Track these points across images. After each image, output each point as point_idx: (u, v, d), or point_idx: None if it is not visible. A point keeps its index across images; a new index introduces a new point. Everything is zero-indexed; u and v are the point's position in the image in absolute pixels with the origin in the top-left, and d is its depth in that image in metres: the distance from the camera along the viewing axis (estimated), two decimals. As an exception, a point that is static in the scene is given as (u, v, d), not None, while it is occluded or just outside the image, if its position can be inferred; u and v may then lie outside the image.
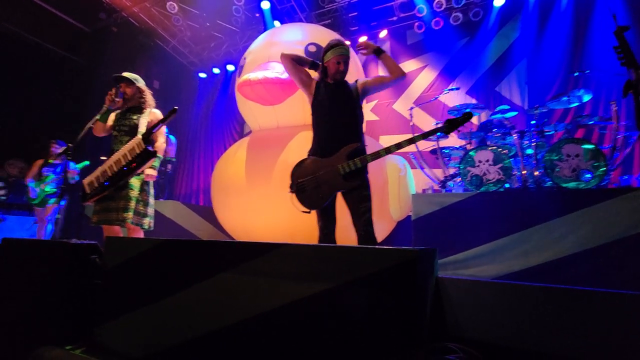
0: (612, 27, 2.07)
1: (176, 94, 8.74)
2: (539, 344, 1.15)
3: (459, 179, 3.91)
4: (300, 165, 2.39)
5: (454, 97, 6.07)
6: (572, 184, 3.18)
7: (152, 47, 7.88)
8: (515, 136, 3.66)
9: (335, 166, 2.24)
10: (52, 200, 5.11)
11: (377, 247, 1.26)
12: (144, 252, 1.78)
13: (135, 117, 2.93)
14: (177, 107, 2.56)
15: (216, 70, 8.58)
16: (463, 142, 4.41)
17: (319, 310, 1.28)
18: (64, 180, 3.05)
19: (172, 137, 6.39)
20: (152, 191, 3.00)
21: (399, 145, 2.18)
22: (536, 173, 3.47)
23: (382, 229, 4.50)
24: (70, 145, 2.80)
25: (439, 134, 2.45)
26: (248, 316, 1.40)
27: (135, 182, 2.82)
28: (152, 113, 3.00)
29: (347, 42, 2.84)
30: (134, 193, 2.80)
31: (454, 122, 2.13)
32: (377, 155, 2.20)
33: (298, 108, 4.29)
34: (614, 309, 1.09)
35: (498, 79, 6.05)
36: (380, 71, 7.06)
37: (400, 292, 1.16)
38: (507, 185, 3.52)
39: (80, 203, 2.98)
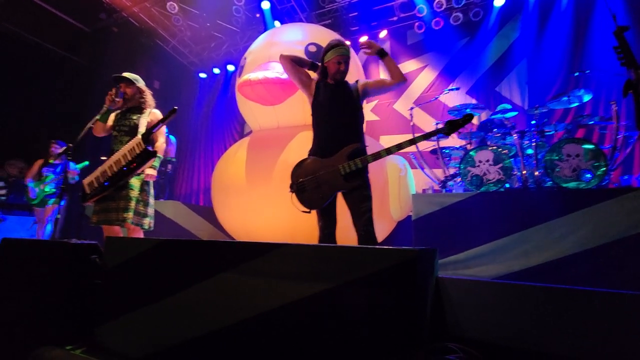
0: (612, 27, 2.07)
1: (176, 94, 8.74)
2: (539, 344, 1.15)
3: (459, 179, 3.91)
4: (300, 165, 2.39)
5: (454, 97, 6.07)
6: (572, 184, 3.17)
7: (152, 47, 7.88)
8: (515, 136, 3.66)
9: (335, 166, 2.24)
10: (52, 200, 5.11)
11: (377, 247, 1.26)
12: (144, 252, 1.78)
13: (135, 117, 2.94)
14: (176, 107, 2.57)
15: (216, 71, 8.59)
16: (463, 142, 4.41)
17: (319, 310, 1.27)
18: (64, 181, 3.04)
19: (172, 137, 6.40)
20: (152, 191, 3.00)
21: (399, 146, 2.17)
22: (536, 173, 3.47)
23: (382, 229, 4.50)
24: (70, 145, 2.81)
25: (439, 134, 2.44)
26: (248, 316, 1.40)
27: (135, 182, 2.82)
28: (152, 113, 3.00)
29: (347, 42, 2.84)
30: (134, 193, 2.79)
31: (454, 123, 2.13)
32: (378, 155, 2.19)
33: (298, 108, 4.29)
34: (614, 309, 1.09)
35: (498, 79, 6.05)
36: (381, 73, 7.07)
37: (400, 292, 1.16)
38: (507, 185, 3.52)
39: (80, 203, 2.98)
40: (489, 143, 3.94)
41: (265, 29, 6.63)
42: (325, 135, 2.40)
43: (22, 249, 2.11)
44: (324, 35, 4.50)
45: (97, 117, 2.89)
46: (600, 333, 1.09)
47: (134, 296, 1.73)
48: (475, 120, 5.39)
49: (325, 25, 6.36)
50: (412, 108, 4.86)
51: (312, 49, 4.27)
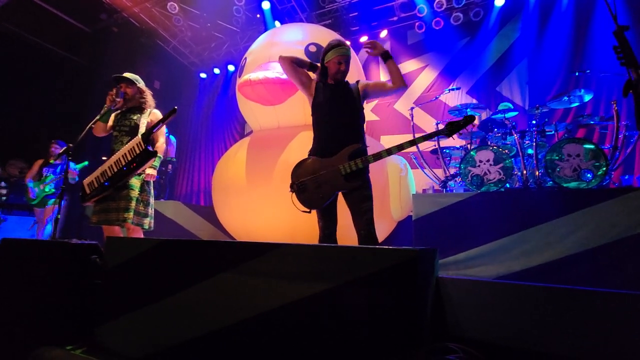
0: (612, 26, 2.06)
1: (177, 94, 8.75)
2: (539, 344, 1.14)
3: (459, 179, 3.91)
4: (301, 165, 2.38)
5: (454, 97, 6.08)
6: (573, 184, 3.17)
7: (152, 48, 7.88)
8: (516, 136, 3.66)
9: (336, 166, 2.24)
10: (52, 200, 5.10)
11: (377, 247, 1.26)
12: (144, 252, 1.78)
13: (135, 117, 2.94)
14: (176, 107, 2.57)
15: (217, 71, 8.59)
16: (464, 142, 4.41)
17: (319, 310, 1.27)
18: (64, 181, 3.04)
19: (172, 137, 6.40)
20: (152, 191, 3.00)
21: (400, 147, 2.17)
22: (537, 173, 3.47)
23: (382, 229, 4.49)
24: (70, 145, 2.81)
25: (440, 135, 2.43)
26: (248, 316, 1.39)
27: (135, 182, 2.82)
28: (152, 113, 3.01)
29: (348, 42, 2.83)
30: (135, 193, 2.79)
31: (455, 124, 2.12)
32: (379, 156, 2.19)
33: (299, 108, 4.29)
34: (614, 309, 1.09)
35: (499, 78, 6.05)
36: (382, 73, 7.07)
37: (400, 292, 1.16)
38: (507, 185, 3.52)
39: (80, 203, 2.98)
40: (489, 143, 3.93)
41: (266, 29, 6.63)
42: (325, 136, 2.39)
43: (22, 249, 2.11)
44: (324, 36, 4.50)
45: (98, 117, 2.89)
46: (601, 333, 1.08)
47: (134, 296, 1.73)
48: (475, 120, 5.40)
49: (325, 25, 6.36)
50: (412, 108, 4.87)
51: (313, 49, 4.27)
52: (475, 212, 3.25)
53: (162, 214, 5.29)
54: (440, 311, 1.32)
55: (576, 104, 3.92)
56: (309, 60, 2.57)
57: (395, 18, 6.91)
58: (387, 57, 2.42)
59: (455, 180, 4.09)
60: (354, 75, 3.99)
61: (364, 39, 7.22)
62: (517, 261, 3.02)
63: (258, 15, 7.22)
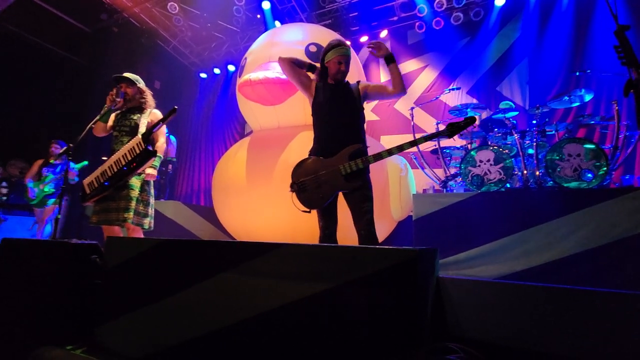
0: (612, 26, 2.06)
1: (177, 94, 8.75)
2: (539, 344, 1.14)
3: (460, 179, 3.91)
4: (301, 164, 2.38)
5: (454, 97, 6.07)
6: (573, 184, 3.17)
7: (153, 48, 7.88)
8: (516, 136, 3.65)
9: (336, 166, 2.24)
10: (52, 200, 5.10)
11: (377, 247, 1.26)
12: (144, 252, 1.78)
13: (135, 117, 2.94)
14: (176, 107, 2.56)
15: (217, 71, 8.60)
16: (464, 142, 4.41)
17: (320, 310, 1.27)
18: (64, 181, 3.04)
19: (172, 137, 6.40)
20: (152, 191, 3.00)
21: (401, 147, 2.17)
22: (537, 173, 3.46)
23: (382, 229, 4.49)
24: (70, 145, 2.81)
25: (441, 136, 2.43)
26: (248, 316, 1.39)
27: (135, 182, 2.82)
28: (152, 113, 3.01)
29: (348, 42, 2.83)
30: (135, 193, 2.79)
31: (456, 125, 2.12)
32: (379, 156, 2.19)
33: (299, 108, 4.29)
34: (615, 309, 1.09)
35: (499, 78, 6.05)
36: (382, 74, 7.07)
37: (400, 292, 1.16)
38: (508, 185, 3.51)
39: (80, 203, 2.98)
40: (489, 143, 3.93)
41: (266, 29, 6.63)
42: (325, 136, 2.39)
43: (22, 249, 2.11)
44: (324, 35, 4.50)
45: (98, 117, 2.89)
46: (601, 333, 1.08)
47: (134, 296, 1.73)
48: (476, 121, 5.40)
49: (325, 25, 6.36)
50: (412, 108, 4.86)
51: (313, 49, 4.27)
52: (475, 212, 3.25)
53: (162, 214, 5.29)
54: (441, 311, 1.31)
55: (577, 104, 3.91)
56: (308, 61, 2.57)
57: (395, 18, 6.91)
58: (390, 60, 2.41)
59: (456, 180, 4.09)
60: (354, 75, 3.99)
61: (364, 39, 7.22)
62: (518, 261, 3.02)
63: (258, 16, 7.22)
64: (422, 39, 6.82)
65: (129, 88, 3.00)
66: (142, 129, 2.85)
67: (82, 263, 1.89)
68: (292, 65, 2.51)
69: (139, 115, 2.95)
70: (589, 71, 3.88)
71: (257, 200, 4.10)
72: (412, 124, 4.76)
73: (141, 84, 3.08)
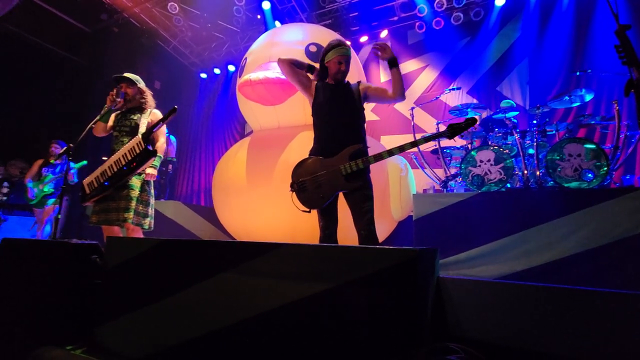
0: (613, 26, 2.06)
1: (177, 94, 8.75)
2: (539, 344, 1.14)
3: (460, 179, 3.91)
4: (301, 164, 2.38)
5: (455, 97, 6.07)
6: (574, 184, 3.17)
7: (153, 48, 7.88)
8: (516, 136, 3.65)
9: (337, 166, 2.23)
10: (51, 201, 5.09)
11: (377, 247, 1.26)
12: (144, 252, 1.78)
13: (136, 117, 2.94)
14: (176, 107, 2.56)
15: (217, 71, 8.60)
16: (464, 142, 4.40)
17: (320, 310, 1.27)
18: (64, 180, 3.04)
19: (172, 138, 6.40)
20: (152, 191, 2.99)
21: (401, 148, 2.16)
22: (538, 173, 3.46)
23: (383, 229, 4.49)
24: (71, 145, 2.81)
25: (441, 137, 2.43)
26: (248, 316, 1.39)
27: (136, 182, 2.81)
28: (152, 113, 3.01)
29: (348, 42, 2.83)
30: (135, 193, 2.79)
31: (457, 126, 2.11)
32: (380, 157, 2.19)
33: (299, 108, 4.29)
34: (615, 309, 1.09)
35: (499, 78, 6.05)
36: (382, 75, 7.07)
37: (401, 292, 1.16)
38: (508, 185, 3.51)
39: (80, 203, 2.98)
40: (490, 143, 3.93)
41: (266, 29, 6.63)
42: (326, 136, 2.39)
43: (22, 249, 2.11)
44: (324, 36, 4.50)
45: (98, 117, 2.89)
46: (601, 333, 1.08)
47: (134, 296, 1.73)
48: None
49: (325, 25, 6.36)
50: (412, 108, 4.86)
51: (313, 49, 4.27)
52: (476, 212, 3.24)
53: (162, 214, 5.29)
54: (441, 311, 1.31)
55: (577, 104, 3.91)
56: (306, 62, 2.57)
57: (395, 18, 6.91)
58: (394, 65, 2.39)
59: (456, 180, 4.08)
60: (355, 75, 3.99)
61: (364, 39, 7.23)
62: (518, 261, 3.01)
63: (259, 16, 7.22)
64: (422, 39, 6.82)
65: (129, 88, 3.00)
66: (142, 129, 2.85)
67: (82, 263, 1.89)
68: (292, 66, 2.50)
69: (139, 115, 2.95)
70: (589, 71, 3.87)
71: (257, 200, 4.10)
72: (412, 124, 4.76)
73: (141, 84, 3.08)
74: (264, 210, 4.09)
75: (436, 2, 6.30)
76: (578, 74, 3.78)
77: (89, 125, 2.85)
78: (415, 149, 4.54)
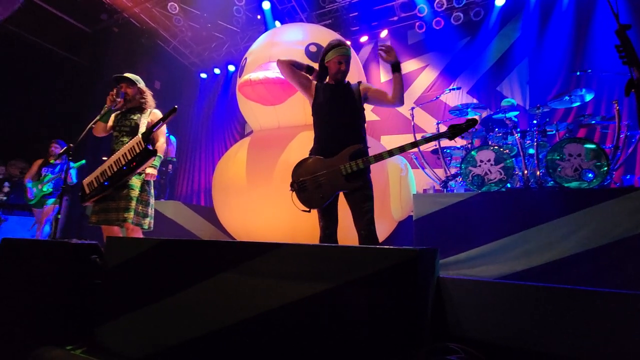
0: (613, 25, 2.05)
1: (177, 94, 8.76)
2: (539, 344, 1.14)
3: (460, 179, 3.90)
4: (302, 164, 2.38)
5: (455, 97, 6.08)
6: (574, 184, 3.16)
7: (153, 48, 7.88)
8: (517, 136, 3.65)
9: (337, 166, 2.23)
10: (51, 200, 5.08)
11: (377, 246, 1.26)
12: (144, 252, 1.77)
13: (136, 117, 2.94)
14: (176, 106, 2.56)
15: (217, 71, 8.60)
16: (464, 142, 4.40)
17: (320, 310, 1.27)
18: (64, 180, 3.04)
19: (172, 138, 6.40)
20: (152, 191, 2.99)
21: (402, 149, 2.16)
22: (538, 173, 3.46)
23: (383, 229, 4.49)
24: (71, 145, 2.81)
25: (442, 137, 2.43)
26: (248, 316, 1.39)
27: (136, 181, 2.81)
28: (152, 113, 3.01)
29: (348, 42, 2.83)
30: (135, 193, 2.79)
31: (458, 127, 2.11)
32: (380, 157, 2.19)
33: (299, 108, 4.29)
34: (615, 309, 1.08)
35: (499, 78, 6.05)
36: (382, 75, 7.07)
37: (401, 292, 1.15)
38: (508, 185, 3.51)
39: (80, 203, 2.98)
40: (490, 143, 3.93)
41: (266, 29, 6.63)
42: (326, 136, 2.39)
43: (22, 249, 2.11)
44: (324, 35, 4.50)
45: (98, 117, 2.89)
46: (601, 333, 1.08)
47: (134, 296, 1.73)
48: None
49: (325, 25, 6.36)
50: (413, 108, 4.86)
51: (313, 49, 4.27)
52: (476, 212, 3.24)
53: (162, 214, 5.29)
54: (441, 311, 1.31)
55: (577, 104, 3.91)
56: (305, 64, 2.57)
57: (395, 18, 6.91)
58: (396, 69, 2.39)
59: (456, 180, 4.08)
60: (355, 75, 3.99)
61: (364, 39, 7.23)
62: (518, 261, 3.01)
63: (259, 17, 7.22)
64: (422, 39, 6.82)
65: (129, 88, 2.99)
66: (143, 129, 2.85)
67: (82, 263, 1.89)
68: (291, 67, 2.50)
69: (139, 115, 2.95)
70: (589, 71, 3.87)
71: (257, 200, 4.10)
72: (412, 124, 4.76)
73: (141, 84, 3.07)
74: (264, 210, 4.08)
75: (436, 2, 6.30)
76: (578, 73, 3.79)
77: (89, 125, 2.85)
78: (415, 149, 4.54)
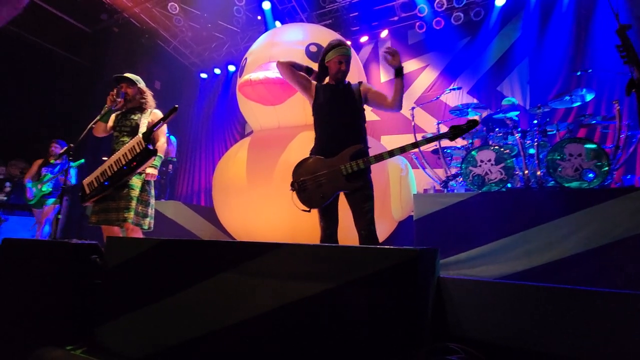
0: (613, 25, 2.05)
1: (177, 94, 8.75)
2: (540, 344, 1.14)
3: (460, 179, 3.90)
4: (302, 164, 2.38)
5: (455, 97, 6.07)
6: (574, 184, 3.16)
7: (153, 48, 7.88)
8: (517, 136, 3.65)
9: (337, 166, 2.23)
10: (51, 201, 5.07)
11: (378, 247, 1.25)
12: (144, 252, 1.77)
13: (136, 117, 2.94)
14: (177, 106, 2.56)
15: (217, 71, 8.60)
16: (465, 142, 4.40)
17: (320, 310, 1.27)
18: (64, 180, 3.04)
19: (172, 138, 6.40)
20: (152, 191, 2.99)
21: (402, 149, 2.16)
22: (538, 173, 3.46)
23: (383, 229, 4.49)
24: (71, 145, 2.80)
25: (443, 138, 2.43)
26: (248, 316, 1.39)
27: (136, 181, 2.81)
28: (153, 113, 3.01)
29: (348, 42, 2.82)
30: (135, 193, 2.79)
31: (459, 128, 2.11)
32: (380, 157, 2.19)
33: (299, 108, 4.29)
34: (616, 309, 1.08)
35: (500, 78, 6.04)
36: (382, 75, 7.07)
37: (401, 292, 1.15)
38: (509, 185, 3.51)
39: (80, 203, 2.98)
40: (490, 143, 3.93)
41: (266, 29, 6.63)
42: (326, 136, 2.39)
43: (22, 249, 2.11)
44: (324, 35, 4.50)
45: (98, 117, 2.89)
46: (602, 333, 1.08)
47: (134, 296, 1.73)
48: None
49: (325, 25, 6.36)
50: (413, 108, 4.86)
51: (313, 49, 4.27)
52: (476, 212, 3.24)
53: (163, 214, 5.29)
54: (441, 311, 1.31)
55: (578, 104, 3.90)
56: (305, 65, 2.57)
57: (395, 18, 6.91)
58: (399, 74, 2.38)
59: (457, 180, 4.08)
60: (355, 75, 3.99)
61: (364, 39, 7.22)
62: (519, 261, 3.01)
63: (259, 17, 7.22)
64: (423, 38, 6.82)
65: (130, 88, 2.99)
66: (143, 129, 2.85)
67: (82, 263, 1.89)
68: (291, 68, 2.50)
69: (139, 115, 2.95)
70: (590, 70, 3.87)
71: (257, 200, 4.10)
72: (412, 124, 4.75)
73: (141, 84, 3.07)
74: (264, 210, 4.08)
75: (436, 2, 6.30)
76: (579, 73, 3.78)
77: (89, 125, 2.85)
78: (415, 149, 4.54)
